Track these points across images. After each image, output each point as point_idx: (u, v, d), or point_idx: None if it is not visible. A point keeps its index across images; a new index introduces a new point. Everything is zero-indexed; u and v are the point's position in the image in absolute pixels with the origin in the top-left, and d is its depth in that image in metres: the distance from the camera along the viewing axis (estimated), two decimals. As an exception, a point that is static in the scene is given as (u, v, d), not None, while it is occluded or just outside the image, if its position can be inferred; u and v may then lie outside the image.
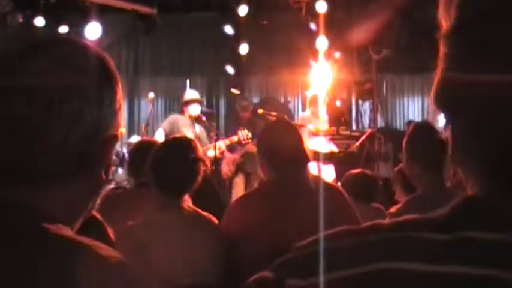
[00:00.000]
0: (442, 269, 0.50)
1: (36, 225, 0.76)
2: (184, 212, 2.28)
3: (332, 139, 6.60)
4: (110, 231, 1.38)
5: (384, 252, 0.53)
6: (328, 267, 0.54)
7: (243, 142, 6.32)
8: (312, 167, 5.55)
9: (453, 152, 0.57)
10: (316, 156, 5.69)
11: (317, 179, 2.51)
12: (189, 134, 5.74)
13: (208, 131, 6.57)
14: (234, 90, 8.07)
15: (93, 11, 7.28)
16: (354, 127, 8.73)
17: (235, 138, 6.34)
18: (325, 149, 6.32)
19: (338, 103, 8.62)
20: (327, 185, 2.55)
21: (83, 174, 0.84)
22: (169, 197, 2.27)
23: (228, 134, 6.63)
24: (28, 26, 7.48)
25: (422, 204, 2.28)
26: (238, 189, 6.68)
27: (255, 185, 6.42)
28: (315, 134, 6.47)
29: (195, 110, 6.43)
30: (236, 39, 8.27)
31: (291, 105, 9.84)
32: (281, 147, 2.41)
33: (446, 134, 0.60)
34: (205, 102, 7.64)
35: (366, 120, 9.05)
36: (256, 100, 9.59)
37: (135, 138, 6.25)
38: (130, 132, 8.93)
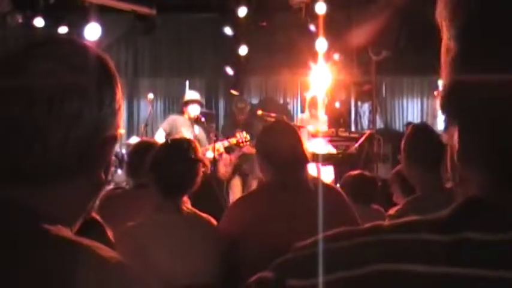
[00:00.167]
0: (441, 270, 0.50)
1: (36, 226, 0.76)
2: (183, 213, 2.28)
3: (331, 140, 6.60)
4: (109, 232, 1.38)
5: (383, 253, 0.53)
6: (328, 268, 0.54)
7: (242, 144, 6.33)
8: (311, 168, 5.55)
9: (457, 153, 0.57)
10: (315, 157, 5.69)
11: (316, 180, 2.51)
12: (188, 135, 5.74)
13: (207, 132, 6.57)
14: (234, 92, 8.08)
15: (92, 12, 7.28)
16: (353, 128, 8.74)
17: (233, 140, 6.35)
18: (324, 150, 6.32)
19: (337, 104, 8.62)
20: (326, 186, 2.55)
21: (82, 175, 0.84)
22: (169, 198, 2.27)
23: (225, 136, 6.64)
24: (28, 26, 7.47)
25: (421, 206, 2.28)
26: (236, 190, 6.68)
27: (253, 186, 6.44)
28: (314, 135, 6.48)
29: (194, 110, 6.43)
30: (235, 40, 8.27)
31: (290, 106, 9.85)
32: (280, 148, 2.41)
33: (446, 136, 0.60)
34: (204, 103, 7.63)
35: (365, 122, 9.05)
36: (255, 101, 9.60)
37: (134, 139, 6.24)
38: (130, 133, 8.94)
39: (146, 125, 6.65)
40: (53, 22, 7.69)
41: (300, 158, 2.43)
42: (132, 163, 3.15)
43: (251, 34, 8.12)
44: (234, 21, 8.08)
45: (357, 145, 6.56)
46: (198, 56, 9.49)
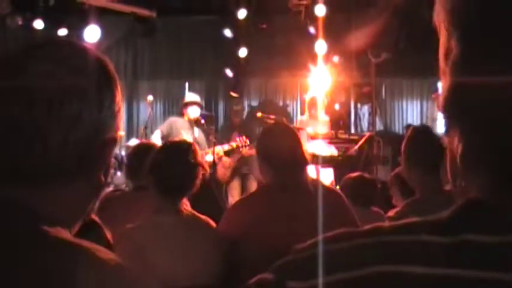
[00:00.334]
0: (441, 272, 0.50)
1: (36, 227, 0.76)
2: (183, 215, 2.28)
3: (331, 142, 6.60)
4: (109, 234, 1.38)
5: (382, 255, 0.53)
6: (328, 269, 0.54)
7: (241, 148, 6.33)
8: (311, 170, 5.55)
9: (458, 156, 0.57)
10: (315, 159, 5.70)
11: (316, 182, 2.51)
12: (188, 137, 5.74)
13: (207, 134, 6.57)
14: (233, 94, 8.08)
15: (92, 14, 7.28)
16: (352, 130, 8.74)
17: (234, 144, 6.35)
18: (324, 152, 6.32)
19: (337, 106, 8.63)
20: (326, 188, 2.55)
21: (82, 176, 0.84)
22: (168, 200, 2.27)
23: (221, 138, 6.63)
24: (27, 28, 7.47)
25: (421, 208, 2.28)
26: (235, 193, 6.69)
27: (251, 188, 6.44)
28: (313, 137, 6.48)
29: (194, 112, 6.43)
30: (235, 43, 8.28)
31: (289, 109, 9.85)
32: (280, 150, 2.41)
33: (447, 139, 0.60)
34: (204, 105, 7.64)
35: (364, 124, 9.05)
36: (255, 103, 9.61)
37: (133, 141, 6.25)
38: (129, 135, 8.94)
39: (146, 127, 6.65)
40: (52, 24, 7.69)
41: (300, 160, 2.43)
42: (132, 165, 3.15)
43: (251, 36, 8.13)
44: (234, 24, 8.09)
45: (356, 147, 6.56)
46: (197, 58, 9.50)
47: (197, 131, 6.43)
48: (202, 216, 2.36)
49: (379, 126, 9.10)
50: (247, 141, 6.29)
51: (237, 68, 8.71)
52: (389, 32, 7.35)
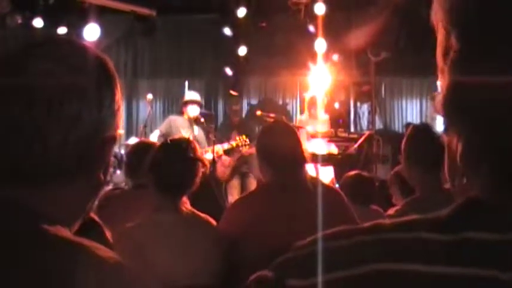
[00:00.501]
0: (441, 270, 0.50)
1: (36, 226, 0.76)
2: (182, 214, 2.28)
3: (330, 141, 6.60)
4: (108, 233, 1.38)
5: (382, 252, 0.53)
6: (328, 267, 0.54)
7: (241, 147, 6.33)
8: (311, 169, 5.55)
9: (458, 155, 0.57)
10: (315, 158, 5.70)
11: (315, 180, 2.51)
12: (188, 136, 5.74)
13: (206, 133, 6.58)
14: (233, 92, 8.08)
15: (91, 13, 7.28)
16: (352, 129, 8.73)
17: (233, 143, 6.35)
18: (323, 151, 6.32)
19: (336, 105, 8.62)
20: (326, 187, 2.55)
21: (81, 175, 0.84)
22: (168, 198, 2.27)
23: (221, 137, 6.64)
24: (27, 27, 7.47)
25: (421, 206, 2.28)
26: (234, 191, 6.69)
27: (251, 187, 6.44)
28: (313, 136, 6.48)
29: (193, 111, 6.44)
30: (235, 41, 8.27)
31: (289, 107, 9.85)
32: (279, 149, 2.41)
33: (446, 138, 0.60)
34: (203, 104, 7.64)
35: (364, 122, 9.05)
36: (254, 102, 9.61)
37: (133, 140, 6.24)
38: (129, 133, 8.93)
39: (145, 126, 6.65)
40: (52, 23, 7.69)
41: (299, 159, 2.43)
42: (131, 163, 3.15)
43: (250, 35, 8.12)
44: (234, 22, 8.08)
45: (356, 146, 6.56)
46: (197, 57, 9.49)
47: (197, 129, 6.43)
48: (202, 215, 2.36)
49: (378, 124, 9.10)
50: (247, 140, 6.29)
51: (237, 67, 8.71)
52: (389, 31, 7.34)
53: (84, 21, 7.21)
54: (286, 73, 8.44)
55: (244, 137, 6.35)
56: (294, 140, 2.46)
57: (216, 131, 6.97)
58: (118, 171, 6.40)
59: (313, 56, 7.36)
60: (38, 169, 0.79)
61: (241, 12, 7.79)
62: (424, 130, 2.59)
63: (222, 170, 6.64)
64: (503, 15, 0.52)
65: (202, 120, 6.43)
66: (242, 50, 8.14)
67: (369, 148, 6.86)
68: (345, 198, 2.48)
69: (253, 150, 4.49)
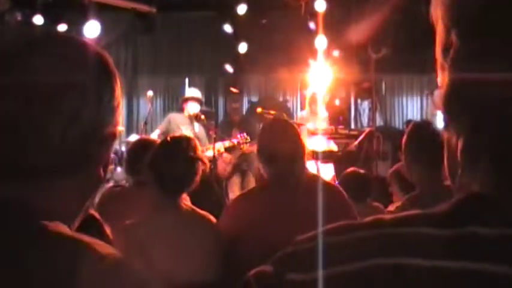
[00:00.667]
0: (442, 264, 0.50)
1: (36, 223, 0.76)
2: (182, 211, 2.28)
3: (331, 138, 6.60)
4: (108, 230, 1.38)
5: (383, 247, 0.53)
6: (329, 262, 0.54)
7: (242, 145, 6.33)
8: (311, 166, 5.56)
9: (459, 151, 0.57)
10: (315, 155, 5.70)
11: (316, 177, 2.51)
12: (188, 133, 5.74)
13: (207, 130, 6.58)
14: (233, 89, 8.08)
15: (91, 10, 7.27)
16: (352, 126, 8.74)
17: (234, 141, 6.35)
18: (324, 148, 6.32)
19: (337, 102, 8.62)
20: (326, 184, 2.55)
21: (81, 172, 0.84)
22: (168, 195, 2.27)
23: (221, 135, 6.64)
24: (27, 24, 7.46)
25: (421, 203, 2.28)
26: (235, 189, 6.69)
27: (251, 185, 6.44)
28: (313, 133, 6.48)
29: (193, 108, 6.44)
30: (235, 38, 8.26)
31: (289, 104, 9.84)
32: (280, 146, 2.41)
33: (446, 135, 0.59)
34: (204, 101, 7.65)
35: (364, 119, 9.05)
36: (255, 99, 9.60)
37: (133, 137, 6.24)
38: (129, 130, 8.93)
39: (146, 123, 6.65)
40: (52, 20, 7.68)
41: (300, 156, 2.43)
42: (132, 161, 3.15)
43: (251, 32, 8.11)
44: (234, 19, 8.07)
45: (356, 143, 6.56)
46: (197, 54, 9.48)
47: (197, 127, 6.43)
48: (202, 212, 2.36)
49: (379, 121, 9.10)
50: (248, 138, 6.29)
51: (237, 64, 8.70)
52: (389, 28, 7.33)
53: (84, 18, 7.20)
54: (286, 70, 8.43)
55: (245, 134, 6.35)
56: (294, 138, 2.47)
57: (217, 128, 6.97)
58: (118, 169, 6.40)
59: (313, 52, 7.34)
60: (37, 166, 0.79)
61: (242, 9, 7.78)
62: (424, 127, 2.59)
63: (222, 167, 6.64)
64: (506, 12, 0.52)
65: (202, 117, 6.43)
66: (242, 47, 8.13)
67: (369, 145, 6.86)
68: (345, 196, 2.49)
69: (253, 147, 4.48)
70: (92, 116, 0.82)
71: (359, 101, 9.13)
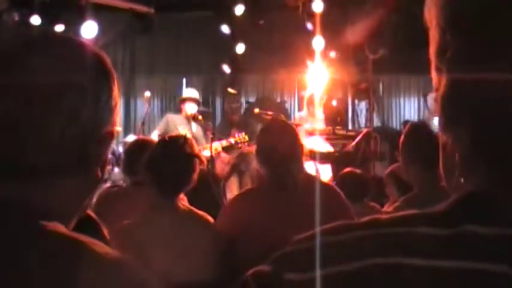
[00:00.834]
0: (439, 264, 0.50)
1: (34, 222, 0.76)
2: (180, 211, 2.28)
3: (328, 139, 6.60)
4: (105, 230, 1.37)
5: (381, 247, 0.53)
6: (326, 261, 0.54)
7: (240, 144, 6.33)
8: (309, 167, 5.55)
9: (458, 152, 0.57)
10: (313, 155, 5.70)
11: (313, 178, 2.52)
12: (186, 133, 5.73)
13: (204, 130, 6.57)
14: (231, 90, 8.07)
15: (89, 10, 7.25)
16: (350, 126, 8.74)
17: (232, 140, 6.35)
18: (321, 149, 6.32)
19: (334, 103, 8.62)
20: (323, 185, 2.56)
21: (79, 172, 0.84)
22: (165, 195, 2.27)
23: (219, 135, 6.63)
24: (24, 24, 7.44)
25: (418, 203, 2.28)
26: (233, 188, 6.68)
27: (249, 184, 6.44)
28: (311, 133, 6.48)
29: (191, 108, 6.44)
30: (232, 39, 8.26)
31: (287, 105, 9.83)
32: (278, 147, 2.42)
33: (442, 136, 0.59)
34: (201, 101, 7.64)
35: (362, 120, 9.05)
36: (252, 99, 9.59)
37: (131, 137, 6.23)
38: (127, 131, 8.91)
39: (143, 123, 6.65)
40: (49, 20, 7.66)
41: (298, 157, 2.43)
42: (129, 161, 3.15)
43: (248, 32, 8.10)
44: (231, 20, 8.06)
45: (354, 143, 6.56)
46: (195, 54, 9.47)
47: (195, 127, 6.43)
48: (200, 212, 2.36)
49: (376, 122, 9.11)
50: (246, 137, 6.29)
51: (235, 64, 8.69)
52: (386, 28, 7.34)
53: (81, 18, 7.18)
54: (284, 71, 8.43)
55: (243, 134, 6.35)
56: (292, 138, 2.47)
57: (214, 128, 6.96)
58: (116, 169, 6.38)
59: (311, 53, 7.34)
60: (35, 165, 0.79)
61: (239, 9, 7.78)
62: (421, 127, 2.60)
63: (221, 167, 6.63)
64: (503, 12, 0.52)
65: (200, 117, 6.43)
66: (240, 48, 8.12)
67: (366, 146, 6.86)
68: (342, 196, 2.49)
69: (251, 148, 4.48)
70: (91, 116, 0.82)
71: (356, 101, 9.14)
